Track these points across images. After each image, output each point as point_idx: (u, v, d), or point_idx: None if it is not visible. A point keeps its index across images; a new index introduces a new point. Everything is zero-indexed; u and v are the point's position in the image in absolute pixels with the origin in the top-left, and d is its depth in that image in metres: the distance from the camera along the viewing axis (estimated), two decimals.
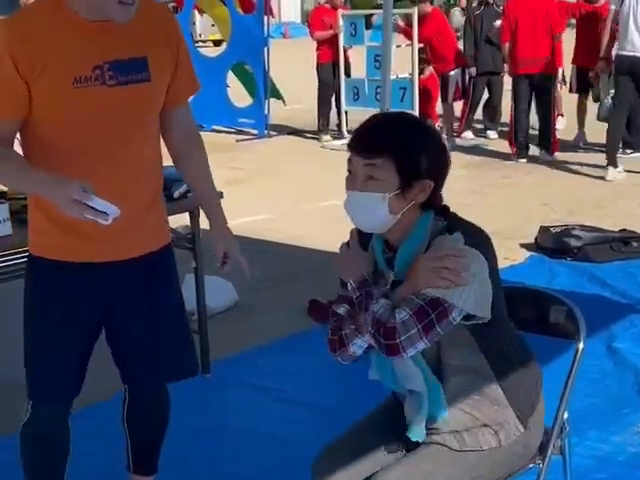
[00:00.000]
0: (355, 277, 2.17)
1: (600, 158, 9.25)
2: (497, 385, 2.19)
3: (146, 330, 2.58)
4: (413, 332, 2.02)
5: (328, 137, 10.92)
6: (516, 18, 9.02)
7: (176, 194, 3.74)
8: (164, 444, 3.49)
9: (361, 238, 2.26)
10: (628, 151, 9.23)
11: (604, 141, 8.69)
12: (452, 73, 10.38)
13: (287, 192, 8.07)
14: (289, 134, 11.71)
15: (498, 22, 9.84)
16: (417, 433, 2.19)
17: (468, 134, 10.61)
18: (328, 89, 10.93)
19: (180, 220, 4.08)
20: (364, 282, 2.15)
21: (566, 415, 2.41)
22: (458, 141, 10.34)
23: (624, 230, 5.97)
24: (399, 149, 2.08)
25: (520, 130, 9.26)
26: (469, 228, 2.14)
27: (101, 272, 2.47)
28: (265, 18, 11.37)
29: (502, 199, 7.51)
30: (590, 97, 9.81)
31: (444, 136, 10.14)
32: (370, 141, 2.12)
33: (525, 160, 9.22)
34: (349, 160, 2.16)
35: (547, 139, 9.24)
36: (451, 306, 2.02)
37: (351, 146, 2.15)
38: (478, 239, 2.11)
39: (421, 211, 2.15)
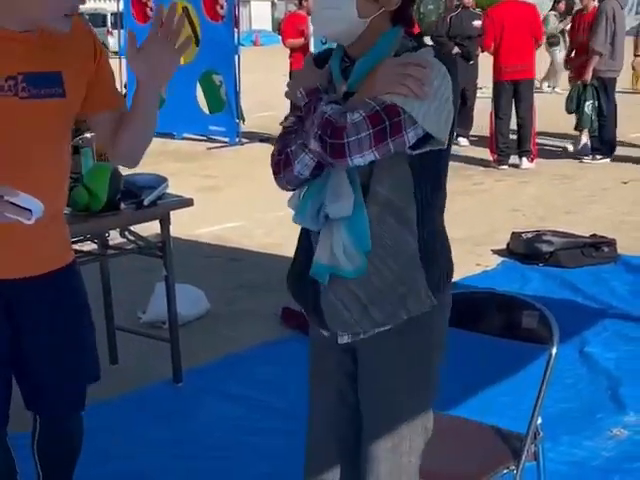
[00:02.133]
0: (305, 86, 2.01)
1: (570, 164, 9.34)
2: (415, 237, 2.01)
3: (51, 354, 2.46)
4: (364, 135, 1.85)
5: None
6: (502, 24, 9.05)
7: (146, 202, 3.70)
8: (138, 456, 3.47)
9: (317, 63, 2.11)
10: (598, 157, 9.32)
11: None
12: None
13: (260, 200, 8.03)
14: (261, 141, 11.68)
15: (477, 22, 9.87)
16: (347, 269, 1.98)
17: (463, 141, 10.53)
18: None
19: (150, 228, 4.04)
20: (314, 90, 1.99)
21: (540, 420, 2.41)
22: None
23: (595, 235, 6.01)
24: None
25: (501, 137, 9.29)
26: (440, 49, 2.01)
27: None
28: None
29: (473, 205, 7.53)
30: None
31: None
32: None
33: (506, 167, 9.24)
34: None
35: (527, 146, 9.29)
36: (408, 119, 1.86)
37: None
38: (448, 58, 1.99)
39: (390, 25, 2.01)
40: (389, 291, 2.01)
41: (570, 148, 9.87)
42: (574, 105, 9.25)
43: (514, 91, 9.17)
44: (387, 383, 2.11)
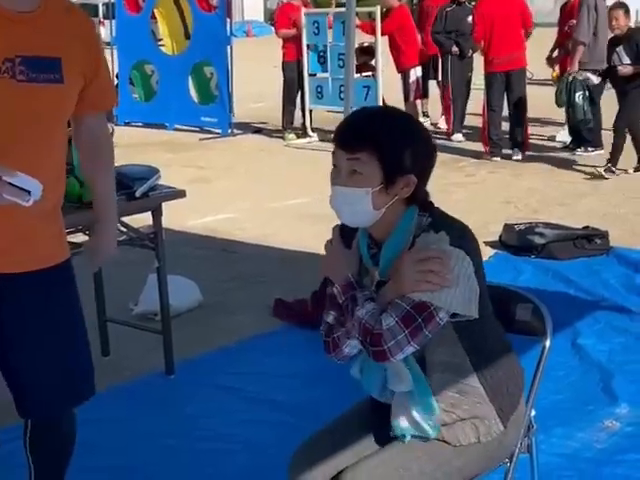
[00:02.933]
0: (340, 279, 2.17)
1: (563, 156, 9.34)
2: (478, 382, 2.18)
3: (40, 353, 2.42)
4: (400, 337, 2.02)
5: (292, 136, 10.89)
6: (492, 17, 9.03)
7: (138, 193, 3.68)
8: (130, 448, 3.46)
9: (344, 235, 2.25)
10: (590, 149, 9.31)
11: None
12: (412, 70, 10.40)
13: (252, 191, 8.03)
14: (253, 133, 11.67)
15: (470, 18, 9.85)
16: (425, 429, 2.18)
17: (458, 136, 10.52)
18: (293, 87, 10.90)
19: (142, 219, 4.02)
20: (349, 285, 2.14)
21: (533, 413, 2.40)
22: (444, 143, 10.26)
23: (587, 227, 6.01)
24: (382, 143, 2.07)
25: (494, 129, 9.29)
26: (453, 225, 2.12)
27: None
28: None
29: (466, 197, 7.53)
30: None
31: None
32: (353, 135, 2.10)
33: (499, 159, 9.24)
34: (333, 153, 2.14)
35: (520, 137, 9.28)
36: (437, 308, 2.02)
37: (335, 139, 2.13)
38: (462, 237, 2.10)
39: (405, 206, 2.13)
40: (462, 425, 2.19)
41: (559, 137, 9.85)
42: (564, 98, 9.22)
43: (506, 82, 9.16)
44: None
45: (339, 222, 2.23)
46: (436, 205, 2.20)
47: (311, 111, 10.89)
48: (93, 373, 2.62)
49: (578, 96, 8.93)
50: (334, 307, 2.22)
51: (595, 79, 8.62)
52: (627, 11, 8.11)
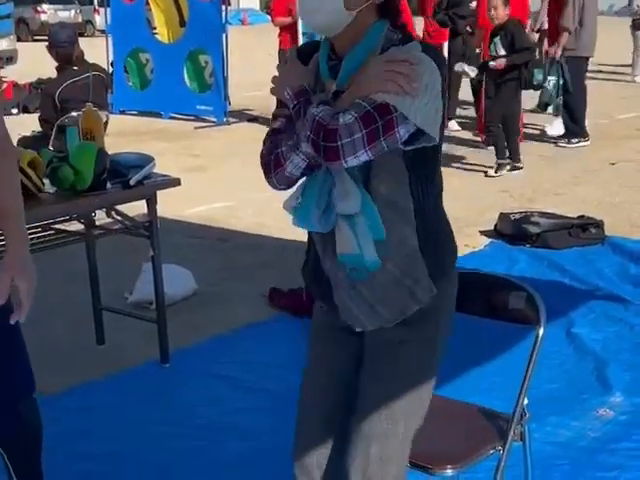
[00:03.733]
0: (292, 87, 1.99)
1: (559, 146, 9.33)
2: (415, 231, 2.03)
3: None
4: (357, 137, 1.85)
5: None
6: None
7: (133, 181, 3.68)
8: (125, 436, 3.47)
9: (301, 56, 2.10)
10: (574, 140, 9.28)
11: None
12: (445, 44, 10.37)
13: (247, 180, 7.97)
14: (248, 121, 11.64)
15: (474, 4, 9.81)
16: (371, 260, 1.99)
17: (452, 124, 10.50)
18: None
19: (137, 208, 4.01)
20: (303, 91, 1.98)
21: (526, 401, 2.41)
22: None
23: (582, 216, 6.02)
24: None
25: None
26: (426, 43, 2.00)
27: None
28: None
29: (462, 186, 7.52)
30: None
31: None
32: None
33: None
34: None
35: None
36: (400, 117, 1.86)
37: None
38: (435, 52, 1.98)
39: (377, 18, 1.99)
40: (395, 287, 2.04)
41: (549, 131, 9.83)
42: (539, 79, 9.21)
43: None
44: (391, 370, 2.13)
45: None
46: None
47: None
48: (31, 371, 2.50)
49: (549, 81, 8.90)
50: (283, 117, 2.05)
51: (471, 71, 8.58)
52: (506, 1, 7.97)
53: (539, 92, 9.28)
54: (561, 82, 8.92)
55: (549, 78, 8.88)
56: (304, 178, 2.06)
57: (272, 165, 2.05)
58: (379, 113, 1.86)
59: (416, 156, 1.98)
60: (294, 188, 2.09)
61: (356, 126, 1.86)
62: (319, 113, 1.90)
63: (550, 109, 9.91)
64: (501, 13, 7.92)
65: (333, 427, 2.25)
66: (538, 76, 8.36)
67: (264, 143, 2.10)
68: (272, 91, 2.07)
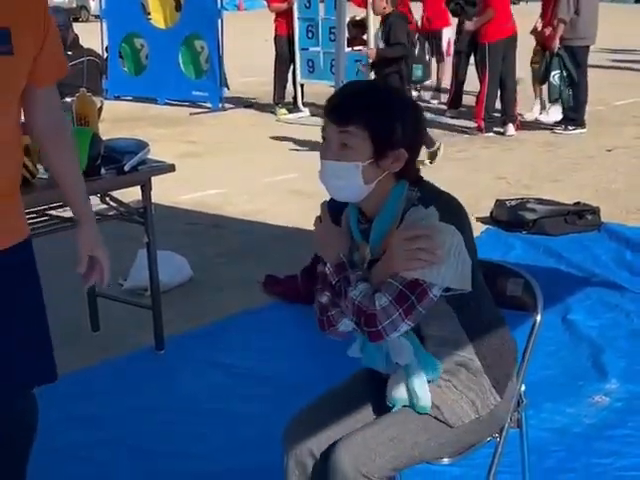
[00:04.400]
0: (332, 258, 2.16)
1: (555, 132, 9.31)
2: (475, 354, 2.19)
3: (13, 321, 2.32)
4: (395, 317, 2.02)
5: (284, 110, 10.83)
6: None
7: (127, 167, 3.65)
8: (119, 423, 3.46)
9: (332, 211, 2.24)
10: (570, 127, 9.26)
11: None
12: (444, 30, 10.39)
13: (242, 166, 7.99)
14: (244, 107, 11.60)
15: None
16: (424, 404, 2.18)
17: (451, 111, 10.48)
18: (284, 62, 10.83)
19: (131, 194, 3.99)
20: (341, 265, 2.14)
21: (523, 388, 2.40)
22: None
23: (578, 203, 6.00)
24: (372, 116, 2.06)
25: (491, 103, 9.22)
26: (443, 200, 2.11)
27: None
28: None
29: (458, 173, 7.51)
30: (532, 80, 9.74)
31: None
32: (343, 108, 2.09)
33: (492, 134, 9.20)
34: (323, 128, 2.13)
35: (513, 111, 9.23)
36: (430, 285, 2.02)
37: (326, 112, 2.12)
38: (452, 212, 2.09)
39: (396, 181, 2.12)
40: (459, 398, 2.19)
41: (534, 116, 9.78)
42: (542, 75, 9.17)
43: (503, 50, 9.08)
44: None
45: (328, 197, 2.21)
46: (427, 180, 2.19)
47: (302, 85, 10.83)
48: (53, 358, 2.49)
49: (553, 75, 8.90)
50: (327, 287, 2.21)
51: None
52: None
53: (547, 88, 9.23)
54: (565, 74, 8.90)
55: (553, 72, 8.85)
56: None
57: (325, 324, 2.25)
58: (410, 289, 2.02)
59: (458, 296, 2.11)
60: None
61: (392, 308, 2.03)
62: (357, 297, 2.07)
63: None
64: (378, 4, 7.88)
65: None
66: (417, 72, 8.41)
67: (315, 293, 2.25)
68: (315, 249, 2.28)
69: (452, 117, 10.18)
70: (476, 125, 9.37)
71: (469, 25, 9.39)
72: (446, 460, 2.28)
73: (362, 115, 2.06)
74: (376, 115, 2.07)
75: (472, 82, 10.08)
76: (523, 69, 9.98)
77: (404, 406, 2.21)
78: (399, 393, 2.19)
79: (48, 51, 2.29)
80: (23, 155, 2.42)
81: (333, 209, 2.24)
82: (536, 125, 9.71)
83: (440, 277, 2.02)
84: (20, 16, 2.19)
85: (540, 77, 9.22)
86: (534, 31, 9.68)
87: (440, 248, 2.01)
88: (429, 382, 2.17)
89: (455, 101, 10.47)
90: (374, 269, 2.12)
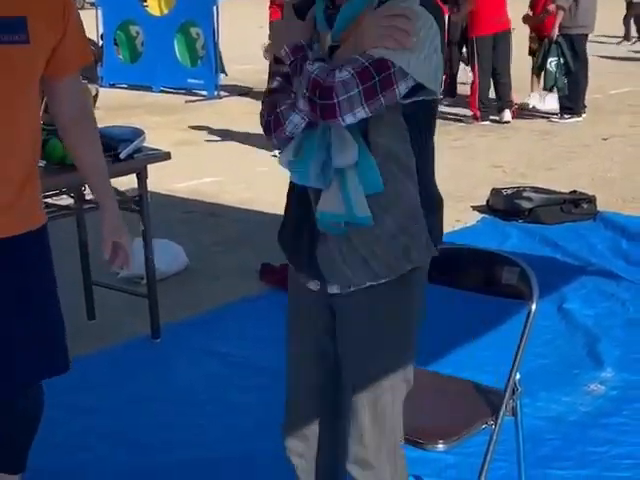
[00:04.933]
0: (289, 44, 1.95)
1: (551, 121, 9.30)
2: (417, 190, 2.00)
3: (13, 321, 2.30)
4: (353, 93, 1.82)
5: None
6: None
7: (123, 155, 3.64)
8: (115, 412, 3.46)
9: (298, 10, 2.05)
10: (566, 116, 9.25)
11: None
12: None
13: (238, 154, 7.97)
14: (240, 95, 11.57)
15: None
16: (363, 215, 1.94)
17: (446, 100, 10.46)
18: None
19: (127, 182, 3.98)
20: (299, 47, 1.94)
21: (518, 376, 2.41)
22: None
23: (574, 192, 6.01)
24: None
25: (485, 92, 9.21)
26: None
27: None
28: None
29: (454, 162, 7.50)
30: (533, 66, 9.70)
31: None
32: None
33: (488, 122, 9.19)
34: None
35: (508, 97, 9.21)
36: (398, 72, 1.83)
37: None
38: (433, 6, 1.93)
39: None
40: (391, 242, 1.99)
41: (531, 105, 9.75)
42: (539, 63, 9.15)
43: (494, 43, 9.08)
44: (368, 335, 2.09)
45: None
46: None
47: None
48: (66, 347, 2.47)
49: (550, 62, 8.89)
50: (279, 75, 2.02)
51: None
52: None
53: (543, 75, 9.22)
54: (562, 62, 8.89)
55: (550, 59, 8.84)
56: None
57: (272, 125, 2.00)
58: (377, 69, 1.83)
59: (414, 110, 1.95)
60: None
61: (353, 82, 1.82)
62: (315, 70, 1.86)
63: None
64: None
65: (322, 399, 2.25)
66: None
67: (263, 103, 2.07)
68: (269, 47, 2.04)
69: (448, 105, 10.16)
70: (472, 114, 9.36)
71: (455, 17, 9.41)
72: (441, 447, 2.29)
73: None
74: None
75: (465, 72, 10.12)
76: (521, 59, 9.97)
77: (337, 224, 1.97)
78: (330, 204, 1.95)
79: (70, 39, 2.29)
80: (40, 144, 2.42)
81: (300, 10, 2.04)
82: (532, 113, 9.70)
83: (411, 65, 1.84)
84: (37, 4, 2.18)
85: (537, 65, 9.20)
86: (526, 18, 9.65)
87: (416, 35, 1.84)
88: (367, 195, 1.94)
89: (450, 90, 10.46)
90: (336, 53, 1.93)
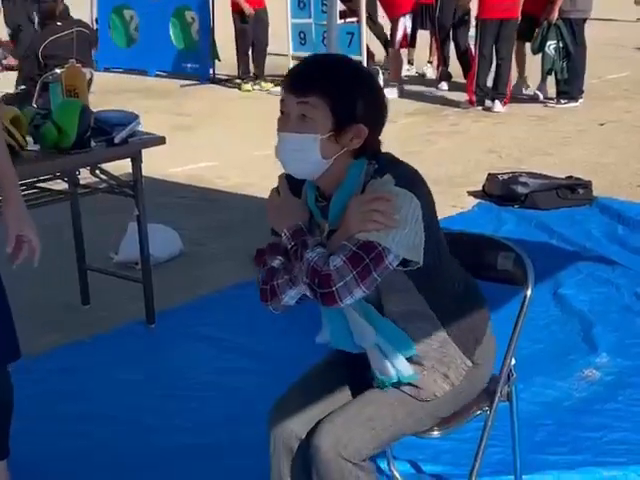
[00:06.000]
0: (289, 226, 2.10)
1: (548, 106, 9.28)
2: (440, 324, 2.17)
3: None
4: (349, 279, 1.95)
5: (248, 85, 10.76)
6: None
7: (117, 139, 3.63)
8: (110, 397, 3.45)
9: (291, 184, 2.17)
10: (563, 101, 9.22)
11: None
12: (401, 19, 10.24)
13: (234, 139, 7.95)
14: (236, 79, 11.51)
15: None
16: (408, 376, 2.16)
17: (443, 85, 10.43)
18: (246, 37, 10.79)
19: (122, 167, 3.96)
20: (299, 231, 2.08)
21: (513, 362, 2.40)
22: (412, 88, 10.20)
23: (570, 177, 6.00)
24: (333, 88, 2.01)
25: (483, 77, 9.17)
26: (400, 169, 2.06)
27: None
28: None
29: (450, 147, 7.49)
30: (530, 48, 9.64)
31: (391, 83, 10.06)
32: (303, 79, 2.04)
33: (481, 108, 9.16)
34: (282, 101, 2.07)
35: (504, 89, 9.17)
36: (385, 249, 1.96)
37: (285, 85, 2.06)
38: (410, 180, 2.04)
39: (354, 158, 2.07)
40: (432, 373, 2.19)
41: (541, 96, 9.72)
42: (537, 45, 9.11)
43: (497, 30, 9.02)
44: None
45: None
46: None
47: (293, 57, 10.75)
48: (14, 334, 2.46)
49: (549, 45, 8.85)
50: (280, 253, 2.15)
51: None
52: None
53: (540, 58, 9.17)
54: (561, 45, 8.85)
55: (549, 42, 8.81)
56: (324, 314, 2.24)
57: (268, 294, 2.17)
58: (365, 251, 1.96)
59: (414, 270, 2.07)
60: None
61: (346, 269, 1.95)
62: (313, 258, 2.00)
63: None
64: None
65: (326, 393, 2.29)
66: None
67: (257, 264, 2.24)
68: (270, 222, 2.20)
69: (444, 90, 10.15)
70: (467, 98, 9.33)
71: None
72: (436, 433, 2.29)
73: (322, 85, 2.00)
74: (337, 86, 2.01)
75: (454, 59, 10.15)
76: None
77: (392, 385, 2.19)
78: (386, 371, 2.16)
79: None
80: None
81: (292, 185, 2.17)
82: (528, 98, 9.67)
83: (395, 243, 1.96)
84: None
85: (535, 47, 9.14)
86: None
87: (397, 213, 1.96)
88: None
89: (444, 74, 10.45)
90: (332, 238, 2.06)
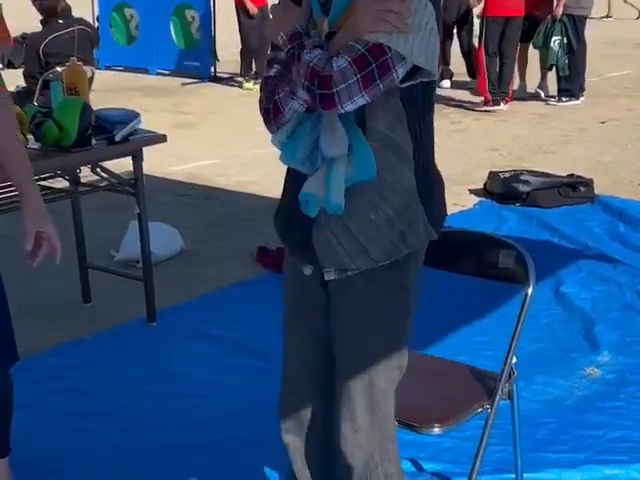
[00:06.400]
0: (286, 30, 1.94)
1: (549, 104, 9.28)
2: (414, 176, 1.99)
3: None
4: (352, 82, 1.80)
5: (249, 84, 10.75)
6: None
7: (118, 137, 3.62)
8: (111, 395, 3.45)
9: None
10: (564, 99, 9.21)
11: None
12: None
13: (234, 137, 7.94)
14: (236, 78, 11.51)
15: None
16: (337, 202, 1.93)
17: (445, 83, 10.42)
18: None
19: (123, 165, 3.96)
20: (296, 34, 1.92)
21: (514, 360, 2.40)
22: None
23: (572, 175, 5.99)
24: None
25: (494, 74, 9.06)
26: None
27: None
28: None
29: (451, 145, 7.48)
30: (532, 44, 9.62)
31: None
32: None
33: (499, 107, 9.07)
34: None
35: (506, 88, 9.15)
36: (395, 56, 1.81)
37: None
38: None
39: None
40: (388, 228, 1.99)
41: (542, 94, 9.71)
42: (541, 40, 9.09)
43: (503, 28, 8.99)
44: (362, 320, 2.08)
45: None
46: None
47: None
48: (12, 337, 2.43)
49: (554, 41, 8.84)
50: (277, 63, 2.00)
51: None
52: None
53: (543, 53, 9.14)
54: (565, 41, 8.84)
55: (554, 38, 8.79)
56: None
57: (271, 112, 1.99)
58: (373, 55, 1.81)
59: (412, 93, 1.94)
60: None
61: (350, 71, 1.80)
62: (313, 59, 1.85)
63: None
64: None
65: (318, 382, 2.23)
66: None
67: (261, 90, 2.05)
68: (266, 34, 2.01)
69: (444, 87, 10.13)
70: (483, 99, 9.17)
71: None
72: (437, 430, 2.28)
73: None
74: None
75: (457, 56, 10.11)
76: None
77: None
78: (312, 186, 1.96)
79: None
80: None
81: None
82: (530, 96, 9.66)
83: (408, 48, 1.81)
84: None
85: (540, 43, 9.11)
86: None
87: (411, 17, 1.81)
88: (360, 182, 1.94)
89: (446, 72, 10.43)
90: (334, 38, 1.90)
